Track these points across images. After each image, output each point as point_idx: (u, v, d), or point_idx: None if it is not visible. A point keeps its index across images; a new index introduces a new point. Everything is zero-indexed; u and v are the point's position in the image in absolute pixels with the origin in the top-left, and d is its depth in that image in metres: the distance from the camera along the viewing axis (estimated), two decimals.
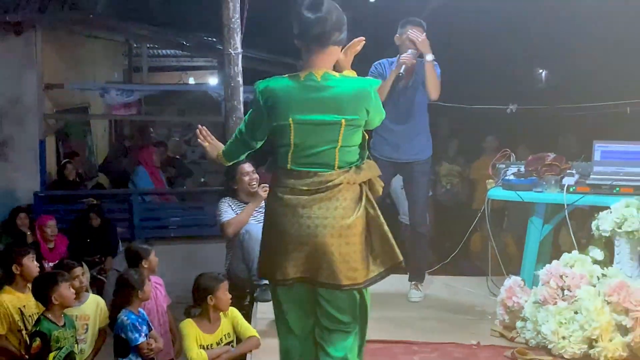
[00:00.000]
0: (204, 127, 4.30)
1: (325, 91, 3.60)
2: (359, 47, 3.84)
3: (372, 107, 3.67)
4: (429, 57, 6.11)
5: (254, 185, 6.30)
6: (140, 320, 5.55)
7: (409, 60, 6.02)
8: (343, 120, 3.58)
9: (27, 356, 5.41)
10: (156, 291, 6.11)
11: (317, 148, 3.64)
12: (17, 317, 5.69)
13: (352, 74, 3.76)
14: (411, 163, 6.35)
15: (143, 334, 5.47)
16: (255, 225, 6.08)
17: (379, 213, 3.71)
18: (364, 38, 3.85)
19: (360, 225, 3.64)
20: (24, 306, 5.71)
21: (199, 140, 4.38)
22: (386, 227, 3.71)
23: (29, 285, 5.70)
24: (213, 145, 4.26)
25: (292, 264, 3.70)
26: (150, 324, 5.71)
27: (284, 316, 3.91)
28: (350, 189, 3.64)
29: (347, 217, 3.60)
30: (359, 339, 3.82)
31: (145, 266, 5.99)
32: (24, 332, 5.63)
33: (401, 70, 6.00)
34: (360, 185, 3.68)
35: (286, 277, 3.72)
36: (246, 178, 6.29)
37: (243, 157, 4.21)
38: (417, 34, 6.12)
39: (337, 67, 3.74)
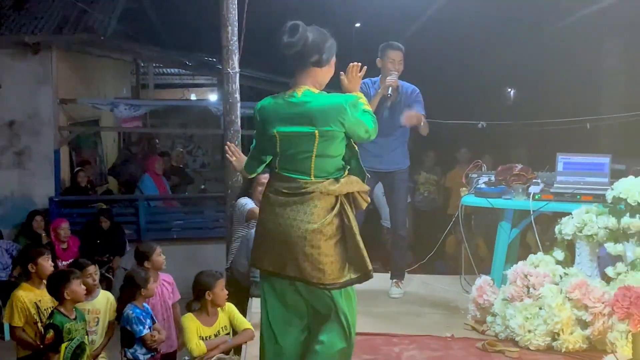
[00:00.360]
0: (232, 144, 4.39)
1: (303, 106, 3.69)
2: (361, 72, 3.88)
3: (348, 120, 3.67)
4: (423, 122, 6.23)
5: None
6: (144, 314, 5.55)
7: (394, 83, 6.03)
8: (317, 132, 3.65)
9: (42, 346, 5.38)
10: (162, 288, 6.13)
11: (296, 156, 3.74)
12: (33, 311, 5.67)
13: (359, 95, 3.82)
14: (392, 172, 6.37)
15: (147, 327, 5.48)
16: None
17: (354, 224, 3.71)
18: (358, 63, 3.86)
19: (329, 233, 3.65)
20: (40, 301, 5.69)
21: (227, 155, 4.49)
22: (359, 238, 3.70)
23: (44, 282, 5.71)
24: (239, 160, 4.40)
25: (268, 257, 3.84)
26: (155, 317, 5.72)
27: (268, 317, 3.93)
28: (323, 198, 3.67)
29: (313, 223, 3.64)
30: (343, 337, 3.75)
31: (148, 267, 6.00)
32: (39, 324, 5.60)
33: (388, 92, 6.01)
34: (337, 196, 3.68)
35: (263, 268, 3.90)
36: (260, 188, 6.25)
37: (260, 169, 4.20)
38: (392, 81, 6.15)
39: (343, 91, 3.85)
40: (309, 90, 3.73)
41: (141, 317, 5.52)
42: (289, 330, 3.85)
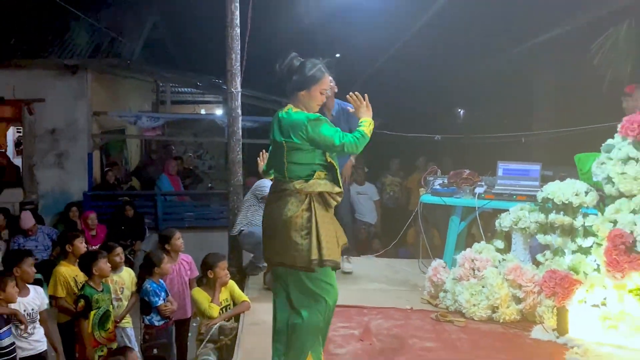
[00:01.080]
0: (264, 152, 4.36)
1: (282, 121, 3.71)
2: (357, 101, 3.79)
3: (308, 135, 3.60)
4: None
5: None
6: (159, 288, 5.56)
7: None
8: (284, 142, 3.67)
9: (74, 312, 5.38)
10: (180, 265, 6.13)
11: (277, 161, 3.80)
12: (72, 284, 5.69)
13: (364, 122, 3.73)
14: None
15: (161, 298, 5.48)
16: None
17: (320, 220, 3.62)
18: (355, 93, 3.80)
19: (300, 223, 3.60)
20: (76, 275, 5.70)
21: (258, 159, 4.51)
22: (322, 232, 3.61)
23: (77, 260, 5.71)
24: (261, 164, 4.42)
25: (266, 248, 3.85)
26: (170, 290, 5.74)
27: (274, 299, 3.89)
28: (294, 195, 3.64)
29: (288, 213, 3.62)
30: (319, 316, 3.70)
31: (169, 248, 6.02)
32: (74, 295, 5.58)
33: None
34: (308, 195, 3.63)
35: (266, 256, 3.91)
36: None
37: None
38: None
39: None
40: (291, 108, 3.72)
41: (157, 291, 5.53)
42: (283, 309, 3.81)
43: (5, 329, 4.79)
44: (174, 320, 5.86)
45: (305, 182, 3.64)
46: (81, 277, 5.60)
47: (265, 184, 6.35)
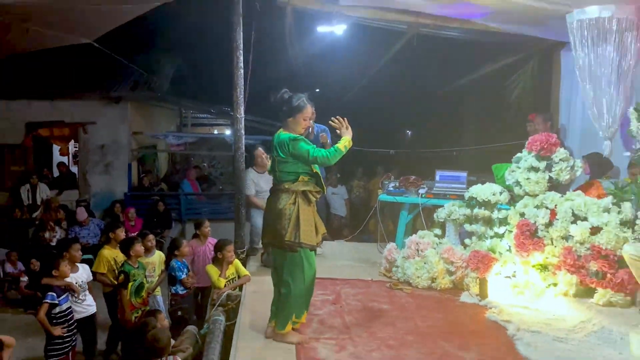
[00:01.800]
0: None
1: (275, 140, 3.69)
2: (339, 124, 3.73)
3: (288, 151, 3.59)
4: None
5: (264, 161, 6.12)
6: (182, 265, 5.54)
7: (324, 138, 5.89)
8: (275, 156, 3.68)
9: (116, 285, 5.32)
10: (206, 247, 6.10)
11: (272, 169, 3.78)
12: (112, 263, 5.64)
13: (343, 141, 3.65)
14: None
15: (184, 273, 5.44)
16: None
17: (302, 212, 3.59)
18: (337, 117, 3.74)
19: (287, 213, 3.57)
20: (116, 256, 5.67)
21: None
22: (301, 221, 3.57)
23: (119, 245, 5.67)
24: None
25: (263, 233, 3.83)
26: (197, 265, 5.85)
27: (273, 273, 3.87)
28: (285, 192, 3.63)
29: (278, 207, 3.61)
30: (295, 286, 3.66)
31: (199, 233, 6.18)
32: (116, 271, 5.54)
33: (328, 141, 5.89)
34: (294, 191, 3.61)
35: (263, 242, 3.94)
36: (258, 159, 6.20)
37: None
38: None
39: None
40: (281, 131, 3.70)
41: (181, 267, 5.52)
42: (277, 281, 3.80)
43: (63, 296, 4.75)
44: (200, 287, 5.86)
45: (292, 183, 3.63)
46: (120, 257, 5.56)
47: (247, 181, 6.29)
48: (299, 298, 3.68)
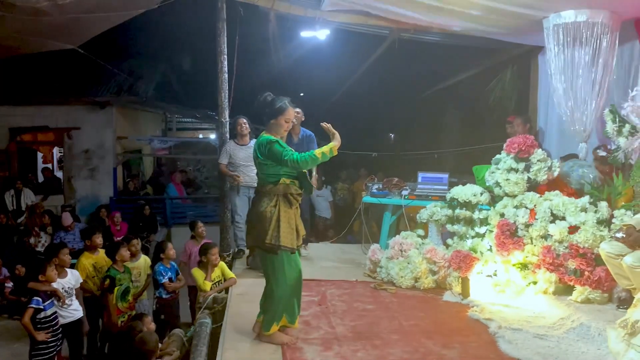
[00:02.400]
0: None
1: (256, 143, 3.65)
2: (329, 130, 3.60)
3: (266, 153, 3.54)
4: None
5: (243, 130, 5.99)
6: (166, 269, 5.53)
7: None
8: (256, 158, 3.65)
9: (101, 290, 5.27)
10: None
11: (257, 170, 3.74)
12: (90, 269, 5.54)
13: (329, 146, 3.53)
14: None
15: (166, 277, 5.44)
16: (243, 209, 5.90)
17: (283, 215, 3.54)
18: (325, 123, 3.62)
19: (268, 216, 3.52)
20: (95, 262, 5.60)
21: None
22: (283, 224, 3.51)
23: (98, 249, 5.67)
24: None
25: (247, 235, 3.80)
26: (191, 266, 5.79)
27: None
28: (266, 194, 3.59)
29: (259, 209, 3.58)
30: (276, 287, 3.63)
31: (195, 235, 6.38)
32: (96, 277, 5.52)
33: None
34: (275, 194, 3.57)
35: (247, 244, 3.93)
36: (238, 127, 6.01)
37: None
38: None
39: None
40: (264, 133, 3.66)
41: (162, 272, 5.50)
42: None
43: (48, 302, 4.69)
44: (193, 286, 5.79)
45: (274, 185, 3.59)
46: (100, 263, 5.54)
47: (222, 151, 6.18)
48: (284, 300, 3.64)
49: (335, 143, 3.52)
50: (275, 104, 3.65)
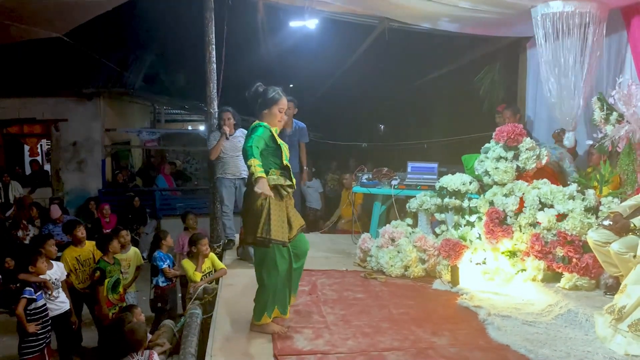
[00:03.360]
0: None
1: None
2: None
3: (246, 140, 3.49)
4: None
5: (228, 122, 5.91)
6: (165, 256, 5.56)
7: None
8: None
9: (91, 282, 5.23)
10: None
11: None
12: (74, 262, 5.48)
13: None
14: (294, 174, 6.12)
15: (166, 264, 5.49)
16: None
17: (279, 206, 3.49)
18: None
19: (259, 208, 3.43)
20: (79, 255, 5.54)
21: None
22: (272, 217, 3.44)
23: (82, 242, 5.60)
24: None
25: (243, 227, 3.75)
26: (183, 256, 5.82)
27: None
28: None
29: (249, 201, 3.51)
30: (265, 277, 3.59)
31: (187, 227, 6.52)
32: (78, 270, 5.49)
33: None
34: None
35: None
36: (223, 120, 5.92)
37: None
38: None
39: None
40: (256, 122, 3.60)
41: (162, 258, 5.53)
42: None
43: (39, 293, 4.65)
44: (183, 276, 5.69)
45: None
46: (84, 255, 5.51)
47: (210, 138, 6.13)
48: (275, 291, 3.62)
49: (259, 184, 3.27)
50: (268, 94, 3.61)
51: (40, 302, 4.64)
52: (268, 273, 3.58)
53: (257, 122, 3.61)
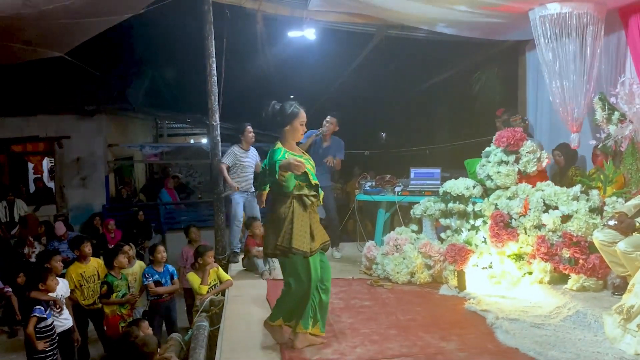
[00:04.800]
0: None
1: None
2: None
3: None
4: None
5: (251, 138, 6.09)
6: (153, 271, 5.46)
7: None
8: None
9: (100, 297, 5.22)
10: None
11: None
12: (79, 278, 5.46)
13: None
14: (324, 187, 6.06)
15: (151, 280, 5.38)
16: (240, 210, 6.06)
17: (305, 216, 3.44)
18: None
19: (282, 217, 3.42)
20: (84, 271, 5.51)
21: None
22: (303, 223, 3.41)
23: (88, 258, 5.59)
24: None
25: (265, 236, 3.69)
26: (187, 268, 5.74)
27: None
28: (282, 196, 3.48)
29: (275, 211, 3.50)
30: (296, 289, 3.53)
31: (189, 239, 6.50)
32: (84, 286, 5.46)
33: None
34: (289, 195, 3.45)
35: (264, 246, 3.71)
36: (246, 134, 6.08)
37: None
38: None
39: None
40: (277, 144, 3.55)
41: (147, 274, 5.43)
42: None
43: (48, 311, 4.65)
44: (189, 289, 5.64)
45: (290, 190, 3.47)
46: (89, 272, 5.50)
47: (228, 152, 6.24)
48: (294, 299, 3.54)
49: (283, 164, 3.34)
50: (287, 110, 3.55)
51: (49, 320, 4.64)
52: (296, 281, 3.50)
53: (278, 144, 3.55)
